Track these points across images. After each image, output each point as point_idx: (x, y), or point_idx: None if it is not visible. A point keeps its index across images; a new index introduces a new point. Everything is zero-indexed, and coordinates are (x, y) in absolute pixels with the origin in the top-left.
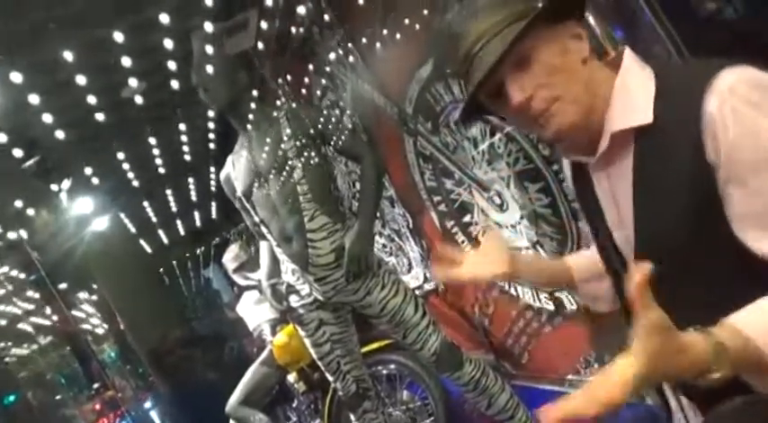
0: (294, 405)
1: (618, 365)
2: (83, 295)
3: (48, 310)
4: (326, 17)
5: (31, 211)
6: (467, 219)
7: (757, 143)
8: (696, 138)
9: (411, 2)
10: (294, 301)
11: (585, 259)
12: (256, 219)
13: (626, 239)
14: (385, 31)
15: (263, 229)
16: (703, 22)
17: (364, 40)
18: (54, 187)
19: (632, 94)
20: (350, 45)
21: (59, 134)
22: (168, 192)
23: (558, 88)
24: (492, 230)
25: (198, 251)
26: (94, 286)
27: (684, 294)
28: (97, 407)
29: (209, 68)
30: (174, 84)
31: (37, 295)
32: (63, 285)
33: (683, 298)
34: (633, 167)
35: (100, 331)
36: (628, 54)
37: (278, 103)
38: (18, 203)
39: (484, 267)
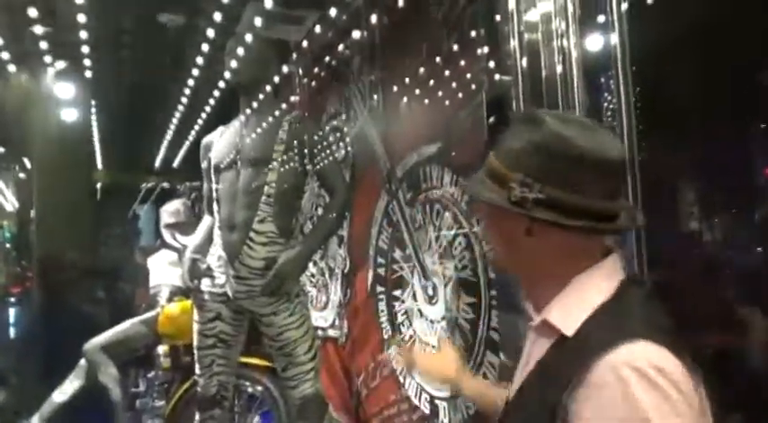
0: (149, 375)
1: None
2: (12, 166)
3: None
4: (371, 52)
5: (11, 68)
6: (397, 293)
7: None
8: (566, 381)
9: (450, 81)
10: (205, 284)
11: None
12: (214, 194)
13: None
14: (417, 92)
15: (215, 206)
16: None
17: (395, 88)
18: (47, 59)
19: (577, 298)
20: (379, 87)
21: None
22: (148, 121)
23: (492, 242)
24: (447, 341)
25: (143, 185)
26: (27, 165)
27: None
28: None
29: (249, 40)
30: (210, 33)
31: None
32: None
33: None
34: (538, 360)
35: (8, 207)
36: (611, 259)
37: (290, 102)
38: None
39: (438, 367)
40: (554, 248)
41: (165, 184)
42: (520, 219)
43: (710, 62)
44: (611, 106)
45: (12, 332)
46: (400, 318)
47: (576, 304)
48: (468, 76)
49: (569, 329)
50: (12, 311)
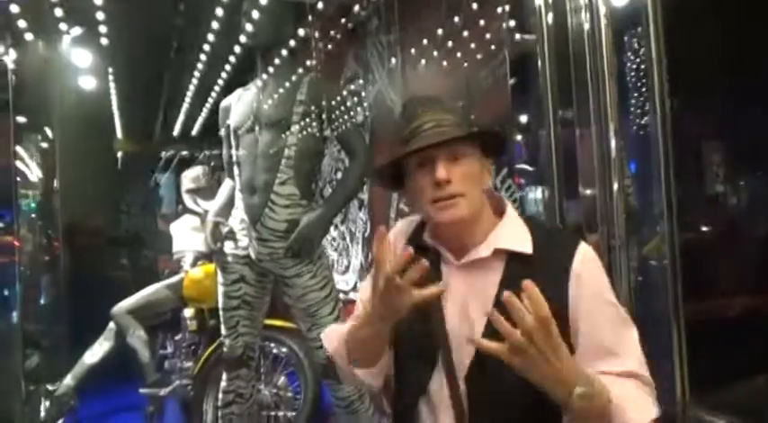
0: (177, 338)
1: None
2: (34, 136)
3: None
4: (389, 13)
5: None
6: None
7: (602, 296)
8: (564, 276)
9: (470, 40)
10: (228, 247)
11: None
12: (234, 157)
13: (461, 329)
14: (437, 52)
15: (235, 170)
16: None
17: (414, 49)
18: (63, 26)
19: (514, 230)
20: (398, 48)
21: None
22: (166, 88)
23: (466, 189)
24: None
25: (162, 154)
26: (49, 134)
27: (502, 416)
28: None
29: (265, 1)
30: None
31: None
32: (22, 118)
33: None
34: (500, 280)
35: (32, 178)
36: (510, 204)
37: (308, 64)
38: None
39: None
40: (490, 182)
41: (185, 152)
42: (485, 159)
43: (744, 18)
44: (641, 66)
45: (42, 299)
46: None
47: (515, 233)
48: (489, 35)
49: (527, 248)
50: (41, 279)
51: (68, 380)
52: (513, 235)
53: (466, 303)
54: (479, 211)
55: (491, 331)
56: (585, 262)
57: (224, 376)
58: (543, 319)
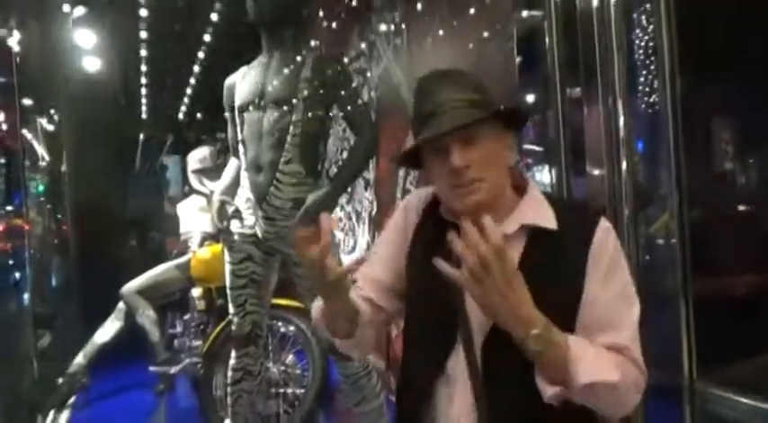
0: (186, 317)
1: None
2: (40, 120)
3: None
4: None
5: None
6: None
7: (613, 272)
8: (584, 252)
9: (477, 17)
10: (235, 226)
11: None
12: (239, 136)
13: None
14: (443, 30)
15: (240, 148)
16: None
17: (419, 28)
18: (66, 8)
19: (538, 206)
20: (403, 26)
21: None
22: (171, 70)
23: (486, 173)
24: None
25: (168, 136)
26: (56, 117)
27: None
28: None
29: None
30: None
31: None
32: (28, 101)
33: (514, 382)
34: (520, 259)
35: (40, 161)
36: (531, 180)
37: (312, 43)
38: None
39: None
40: (514, 158)
41: (191, 135)
42: (506, 135)
43: None
44: (650, 43)
45: (52, 280)
46: None
47: (539, 209)
48: (496, 11)
49: (552, 224)
50: (51, 261)
51: (80, 358)
52: (537, 211)
53: None
54: (501, 191)
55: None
56: (604, 238)
57: (233, 354)
58: (498, 249)
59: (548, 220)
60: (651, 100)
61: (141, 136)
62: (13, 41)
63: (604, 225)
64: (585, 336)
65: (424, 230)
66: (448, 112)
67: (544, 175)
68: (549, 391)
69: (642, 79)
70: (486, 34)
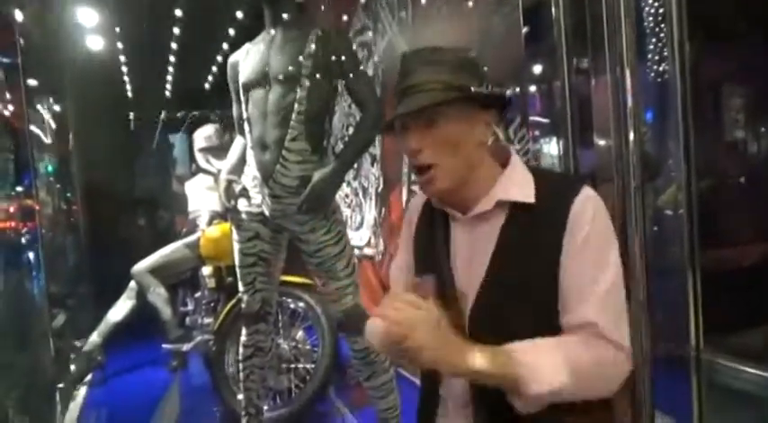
0: (197, 296)
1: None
2: (46, 99)
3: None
4: None
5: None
6: None
7: (587, 241)
8: (561, 225)
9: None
10: (242, 204)
11: None
12: (245, 114)
13: (467, 281)
14: (445, 4)
15: (246, 126)
16: None
17: (423, 1)
18: None
19: (518, 179)
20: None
21: None
22: (173, 47)
23: (440, 158)
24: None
25: (176, 114)
26: (62, 97)
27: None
28: (11, 209)
29: None
30: None
31: (1, 75)
32: (33, 81)
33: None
34: (500, 231)
35: (47, 141)
36: (514, 153)
37: (316, 18)
38: None
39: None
40: (489, 151)
41: (196, 113)
42: (482, 114)
43: None
44: (659, 9)
45: (65, 260)
46: None
47: (519, 182)
48: None
49: (529, 197)
50: (63, 241)
51: (95, 337)
52: (516, 185)
53: (471, 257)
54: (465, 176)
55: (490, 282)
56: (581, 208)
57: (243, 331)
58: (402, 335)
59: (525, 194)
60: (660, 69)
61: (148, 114)
62: (17, 22)
63: (585, 194)
64: (562, 315)
65: (422, 222)
66: (416, 94)
67: (551, 147)
68: (516, 403)
69: (651, 47)
70: (491, 4)
